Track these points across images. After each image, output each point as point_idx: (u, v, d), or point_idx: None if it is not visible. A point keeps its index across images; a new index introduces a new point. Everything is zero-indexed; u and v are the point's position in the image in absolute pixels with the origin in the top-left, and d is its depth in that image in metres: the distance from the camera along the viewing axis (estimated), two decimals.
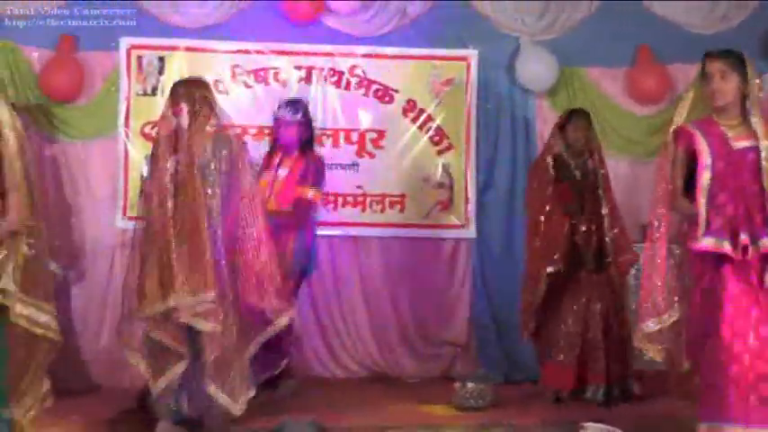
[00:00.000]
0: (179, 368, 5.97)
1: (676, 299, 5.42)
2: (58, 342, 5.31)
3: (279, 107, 7.35)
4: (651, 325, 5.44)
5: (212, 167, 6.11)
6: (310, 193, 7.14)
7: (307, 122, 7.30)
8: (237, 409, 6.12)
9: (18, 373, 5.20)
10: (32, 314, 5.12)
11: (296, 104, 7.36)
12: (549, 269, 7.13)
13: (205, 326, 5.89)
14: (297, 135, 7.23)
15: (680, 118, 5.40)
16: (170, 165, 6.01)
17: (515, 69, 8.22)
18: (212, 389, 6.02)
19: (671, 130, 5.42)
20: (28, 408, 5.25)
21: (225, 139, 6.21)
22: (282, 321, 6.37)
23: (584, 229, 7.19)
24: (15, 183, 4.99)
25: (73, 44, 7.85)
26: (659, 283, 5.43)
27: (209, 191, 6.05)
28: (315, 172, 7.21)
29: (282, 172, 7.22)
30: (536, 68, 8.18)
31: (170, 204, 5.91)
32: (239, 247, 6.13)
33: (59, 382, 5.69)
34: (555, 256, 7.11)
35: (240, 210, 6.13)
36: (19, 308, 5.03)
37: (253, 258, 6.14)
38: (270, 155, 7.36)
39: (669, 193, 5.38)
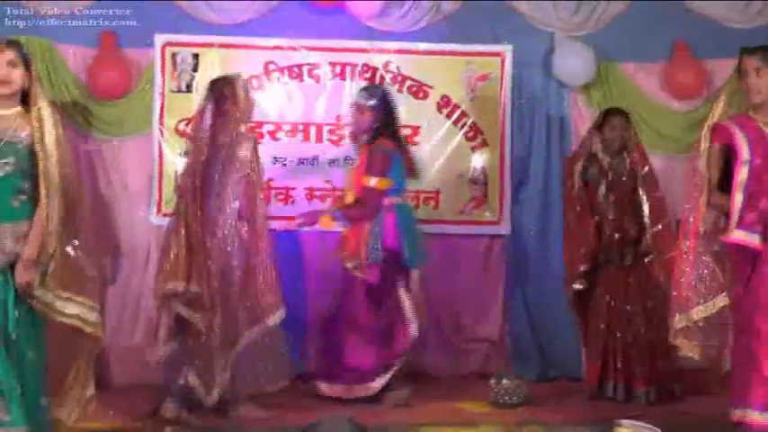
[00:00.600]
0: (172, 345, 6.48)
1: (709, 295, 5.38)
2: (102, 340, 5.32)
3: (357, 92, 7.38)
4: (678, 321, 5.42)
5: (222, 166, 6.40)
6: (372, 182, 7.03)
7: (381, 108, 7.17)
8: (210, 400, 6.40)
9: (61, 374, 5.22)
10: (83, 313, 5.13)
11: (371, 89, 7.37)
12: (575, 286, 7.22)
13: (185, 312, 6.34)
14: (369, 121, 7.15)
15: (715, 116, 5.36)
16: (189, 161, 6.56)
17: (553, 64, 8.18)
18: (191, 376, 6.39)
19: (707, 125, 5.38)
20: (71, 409, 5.27)
21: (242, 138, 6.51)
22: (271, 320, 6.46)
23: (608, 226, 7.21)
24: (47, 195, 4.98)
25: (115, 41, 7.87)
26: (689, 278, 5.41)
27: (214, 188, 6.40)
28: (376, 160, 7.09)
29: (357, 161, 7.29)
30: (575, 62, 8.12)
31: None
32: (241, 244, 6.44)
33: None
34: (578, 271, 7.21)
35: (244, 208, 6.45)
36: (70, 308, 5.04)
37: (251, 255, 6.47)
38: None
39: (704, 187, 5.35)
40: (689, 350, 5.53)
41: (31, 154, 4.99)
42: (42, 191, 4.95)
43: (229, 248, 6.40)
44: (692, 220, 5.50)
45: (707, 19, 8.29)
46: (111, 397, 6.59)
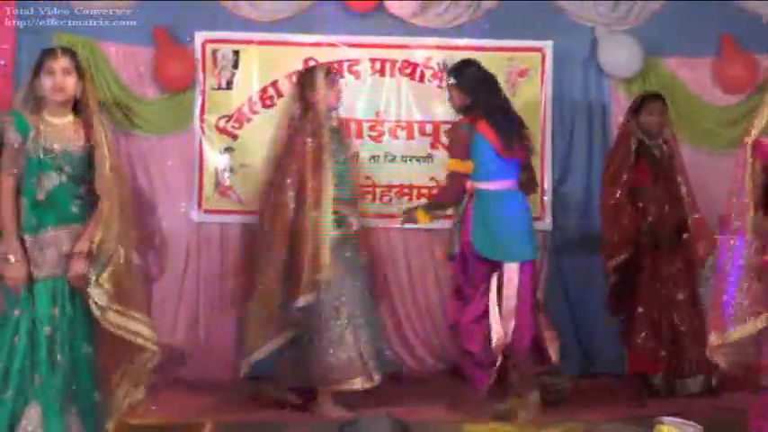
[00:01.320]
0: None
1: (749, 316, 5.26)
2: (156, 352, 5.32)
3: None
4: (715, 338, 5.31)
5: (286, 155, 6.62)
6: (448, 163, 6.86)
7: (465, 85, 6.73)
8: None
9: (107, 373, 5.27)
10: (129, 325, 5.15)
11: (451, 67, 7.06)
12: (612, 262, 7.17)
13: None
14: (458, 100, 6.79)
15: (758, 128, 5.25)
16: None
17: (599, 54, 8.14)
18: None
19: (747, 141, 5.26)
20: (113, 409, 5.31)
21: (304, 124, 6.69)
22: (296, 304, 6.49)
23: (656, 210, 7.17)
24: (104, 200, 5.04)
25: (168, 35, 7.92)
26: (729, 297, 5.31)
27: (279, 180, 6.60)
28: (450, 139, 6.98)
29: None
30: (621, 53, 8.09)
31: None
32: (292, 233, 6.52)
33: None
34: (618, 251, 7.20)
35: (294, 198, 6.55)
36: (114, 317, 5.08)
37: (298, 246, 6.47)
38: None
39: (750, 206, 5.25)
40: (722, 362, 5.43)
41: (85, 161, 5.06)
42: (102, 197, 5.02)
43: (282, 239, 6.51)
44: (734, 240, 5.36)
45: (748, 14, 8.23)
46: (152, 393, 6.62)
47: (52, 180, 5.02)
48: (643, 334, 7.17)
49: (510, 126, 6.67)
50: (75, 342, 5.03)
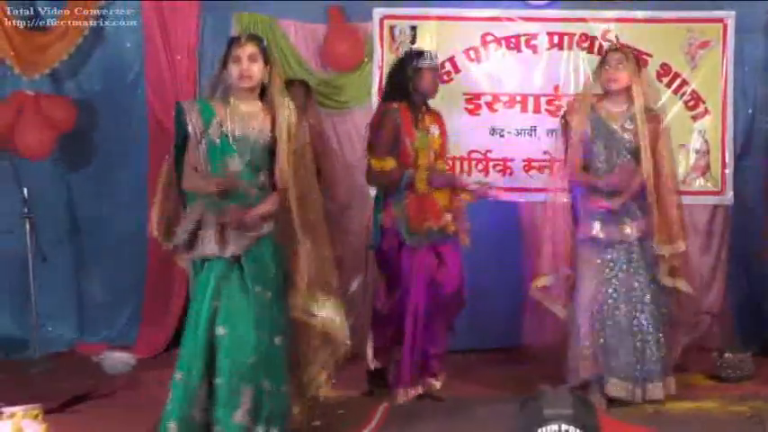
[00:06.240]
0: None
1: None
2: (347, 345, 5.34)
3: None
4: None
5: None
6: None
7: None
8: None
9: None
10: (330, 316, 5.24)
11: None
12: None
13: None
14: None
15: None
16: None
17: None
18: None
19: None
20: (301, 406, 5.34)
21: None
22: None
23: None
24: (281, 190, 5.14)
25: (342, 15, 8.02)
26: None
27: None
28: None
29: None
30: None
31: None
32: None
33: None
34: None
35: None
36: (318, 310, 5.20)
37: None
38: None
39: None
40: None
41: (267, 150, 5.12)
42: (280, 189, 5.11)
43: None
44: None
45: None
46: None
47: (235, 165, 5.08)
48: None
49: None
50: (268, 331, 5.06)
